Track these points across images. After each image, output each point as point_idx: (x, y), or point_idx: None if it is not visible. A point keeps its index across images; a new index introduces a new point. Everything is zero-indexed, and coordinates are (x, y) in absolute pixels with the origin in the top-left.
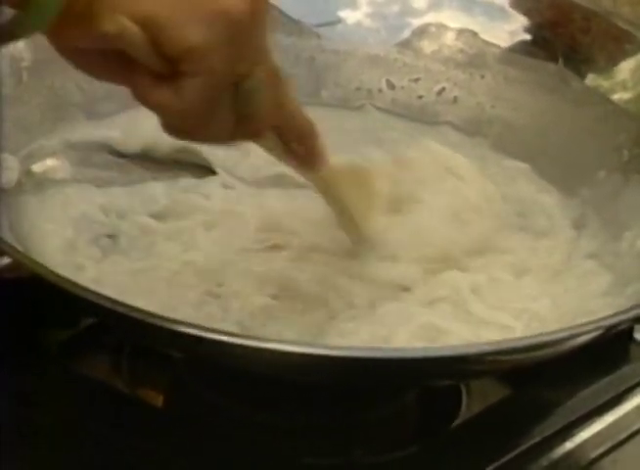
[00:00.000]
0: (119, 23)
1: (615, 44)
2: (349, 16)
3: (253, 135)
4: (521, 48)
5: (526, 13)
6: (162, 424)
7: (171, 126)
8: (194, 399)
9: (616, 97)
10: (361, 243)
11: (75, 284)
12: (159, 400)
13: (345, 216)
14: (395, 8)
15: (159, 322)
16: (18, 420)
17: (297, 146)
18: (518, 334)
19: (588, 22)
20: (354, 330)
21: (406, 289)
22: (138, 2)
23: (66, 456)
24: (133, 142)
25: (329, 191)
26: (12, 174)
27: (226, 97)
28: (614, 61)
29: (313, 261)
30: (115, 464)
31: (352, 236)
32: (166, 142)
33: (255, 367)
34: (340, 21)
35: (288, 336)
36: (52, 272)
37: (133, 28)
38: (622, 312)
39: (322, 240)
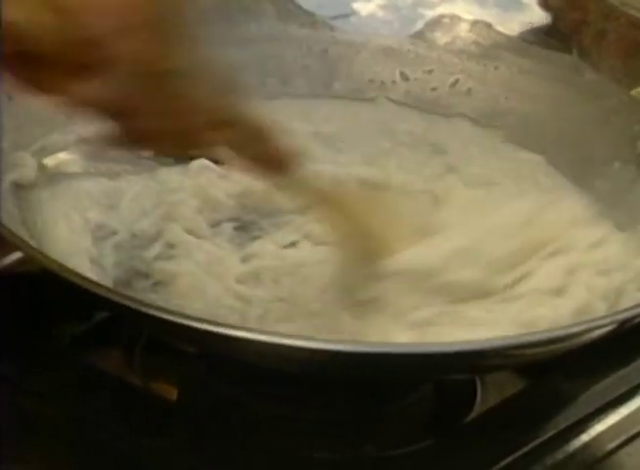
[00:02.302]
0: (29, 8)
1: (629, 35)
2: (363, 8)
3: (197, 135)
4: (535, 39)
5: (540, 4)
6: (176, 418)
7: (128, 131)
8: (207, 393)
9: None
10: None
11: (88, 279)
12: (172, 394)
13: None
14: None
15: (171, 317)
16: (30, 414)
17: (258, 150)
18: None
19: (603, 12)
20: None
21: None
22: None
23: (78, 450)
24: None
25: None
26: (28, 172)
27: (159, 87)
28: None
29: None
30: (128, 457)
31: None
32: None
33: (269, 363)
34: (353, 12)
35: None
36: (64, 267)
37: (45, 15)
38: (638, 306)
39: None
